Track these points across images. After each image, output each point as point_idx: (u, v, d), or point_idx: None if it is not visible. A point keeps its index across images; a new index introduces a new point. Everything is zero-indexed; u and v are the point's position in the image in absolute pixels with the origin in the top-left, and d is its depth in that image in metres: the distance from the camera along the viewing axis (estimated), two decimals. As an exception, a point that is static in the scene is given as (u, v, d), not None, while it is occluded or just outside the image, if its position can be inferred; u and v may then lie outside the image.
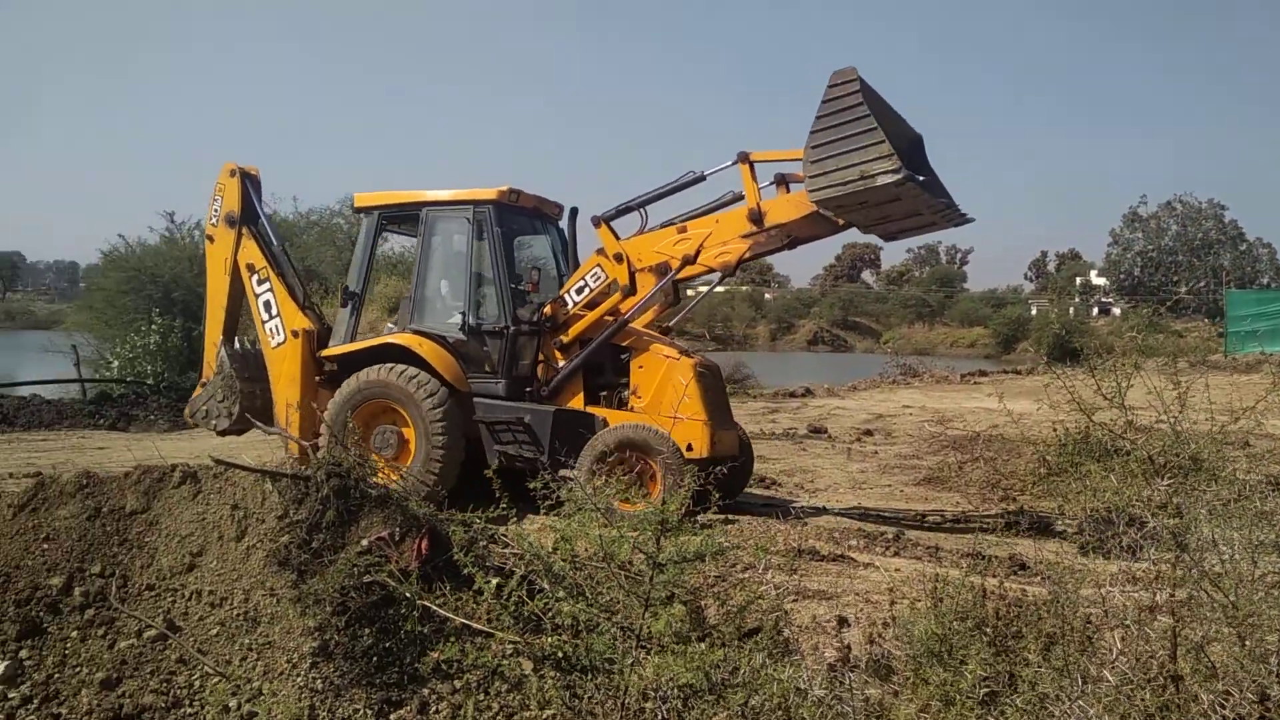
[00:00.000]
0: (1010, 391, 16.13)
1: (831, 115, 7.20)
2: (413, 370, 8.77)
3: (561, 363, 8.81)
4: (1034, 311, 65.91)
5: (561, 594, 4.38)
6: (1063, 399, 4.65)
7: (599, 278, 8.71)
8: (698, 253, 8.41)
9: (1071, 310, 58.50)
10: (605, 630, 4.16)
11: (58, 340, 24.83)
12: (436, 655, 4.74)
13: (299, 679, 4.74)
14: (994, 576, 5.18)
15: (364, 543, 5.33)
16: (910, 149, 7.86)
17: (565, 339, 8.83)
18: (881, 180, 6.92)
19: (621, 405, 8.62)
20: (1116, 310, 70.25)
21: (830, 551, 7.78)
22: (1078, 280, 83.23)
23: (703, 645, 3.98)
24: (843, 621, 5.92)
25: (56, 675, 5.17)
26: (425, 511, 5.79)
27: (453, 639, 4.68)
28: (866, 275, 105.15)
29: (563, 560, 4.48)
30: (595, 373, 8.84)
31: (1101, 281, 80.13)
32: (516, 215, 9.62)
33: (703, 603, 4.89)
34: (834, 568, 7.38)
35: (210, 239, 9.73)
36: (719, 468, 6.64)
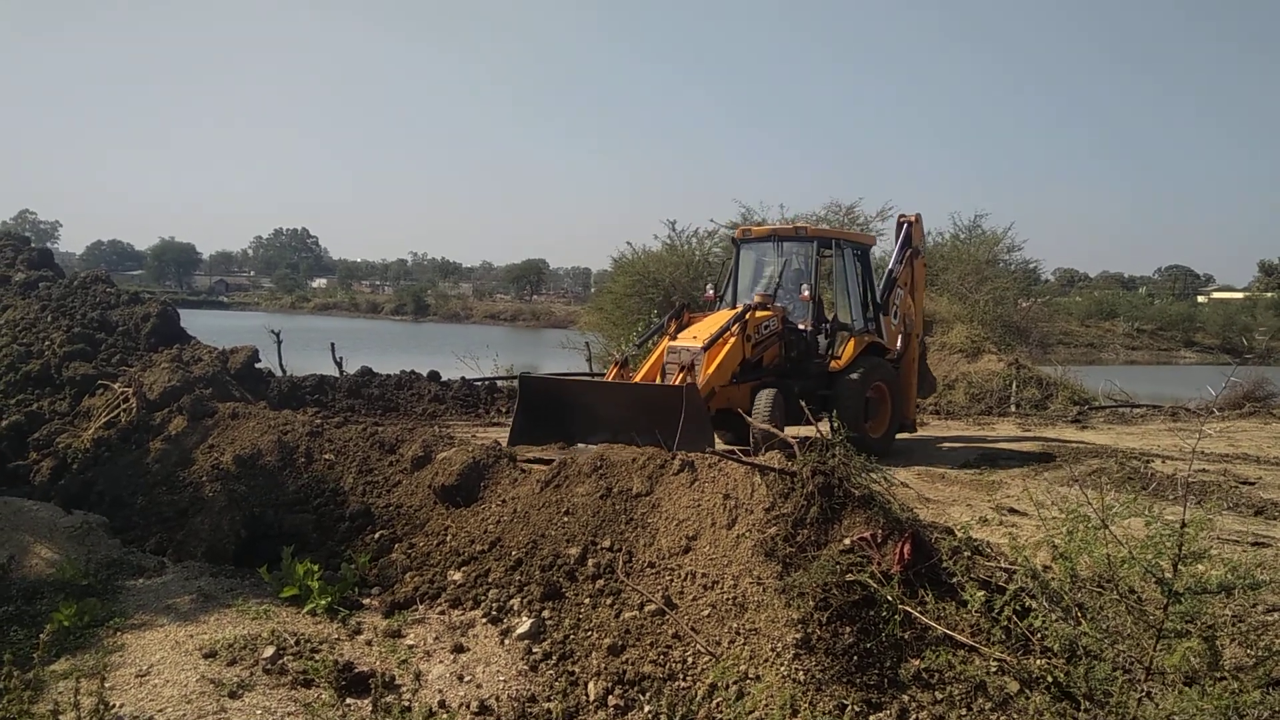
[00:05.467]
0: None
1: None
2: None
3: None
4: None
5: (1058, 615, 4.10)
6: None
7: None
8: None
9: None
10: (1107, 658, 3.83)
11: (573, 338, 27.79)
12: (918, 663, 4.66)
13: (782, 668, 4.86)
14: None
15: (846, 541, 5.37)
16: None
17: None
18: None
19: None
20: None
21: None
22: None
23: (1223, 685, 3.53)
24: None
25: (571, 636, 5.74)
26: (908, 516, 5.73)
27: (935, 648, 4.57)
28: None
29: (1060, 579, 4.19)
30: None
31: None
32: (755, 244, 13.93)
33: (1219, 641, 4.35)
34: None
35: None
36: None
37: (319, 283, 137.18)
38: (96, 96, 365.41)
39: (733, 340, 11.76)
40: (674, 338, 12.25)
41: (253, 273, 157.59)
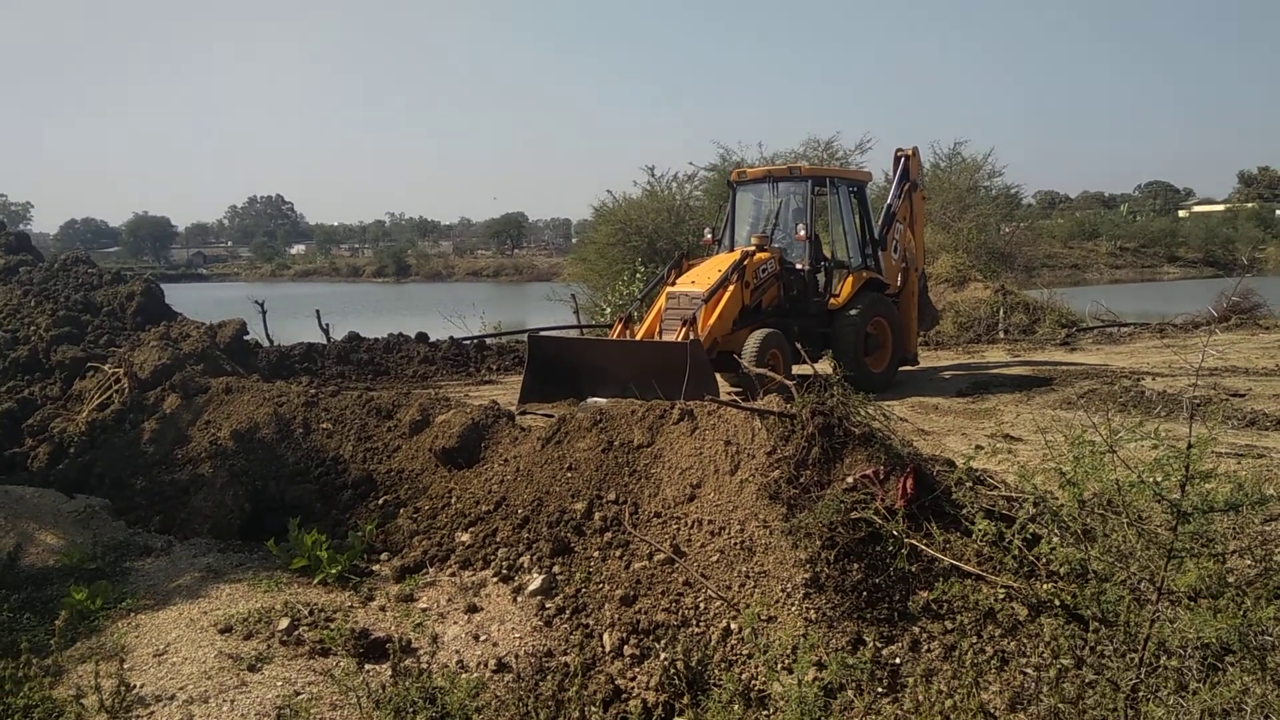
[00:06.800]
0: None
1: None
2: None
3: None
4: None
5: (1069, 540, 4.15)
6: None
7: None
8: None
9: None
10: (1118, 579, 3.89)
11: (558, 290, 27.65)
12: (927, 595, 4.72)
13: (793, 608, 4.93)
14: None
15: (849, 480, 5.42)
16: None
17: None
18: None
19: None
20: None
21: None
22: None
23: (1230, 599, 3.59)
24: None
25: (583, 590, 5.80)
26: (909, 451, 5.78)
27: (943, 580, 4.63)
28: None
29: (1067, 505, 4.24)
30: None
31: None
32: (751, 186, 14.09)
33: (1226, 555, 4.41)
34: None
35: None
36: None
37: (298, 249, 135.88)
38: (55, 70, 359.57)
39: (732, 289, 11.91)
40: (673, 285, 12.38)
41: (230, 243, 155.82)
